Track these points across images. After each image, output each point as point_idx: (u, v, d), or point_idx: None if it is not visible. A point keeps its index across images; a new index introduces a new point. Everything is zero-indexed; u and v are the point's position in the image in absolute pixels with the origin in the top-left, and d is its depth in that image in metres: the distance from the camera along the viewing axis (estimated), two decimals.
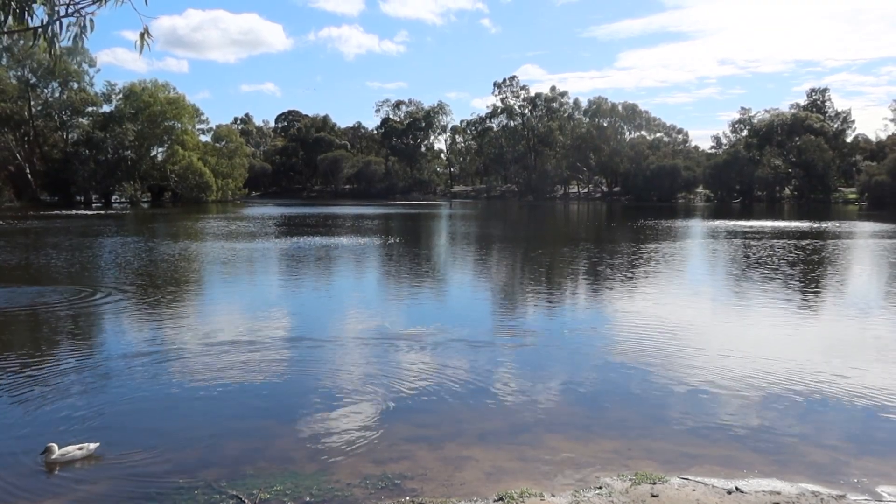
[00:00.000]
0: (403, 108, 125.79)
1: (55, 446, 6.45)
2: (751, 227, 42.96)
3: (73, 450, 6.49)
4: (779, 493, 5.87)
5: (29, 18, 4.70)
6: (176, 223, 45.75)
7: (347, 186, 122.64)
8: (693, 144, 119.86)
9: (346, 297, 16.99)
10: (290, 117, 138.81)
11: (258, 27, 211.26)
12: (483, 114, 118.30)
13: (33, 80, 77.72)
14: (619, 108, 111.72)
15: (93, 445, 6.61)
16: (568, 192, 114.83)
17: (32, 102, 79.02)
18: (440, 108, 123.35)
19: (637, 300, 15.91)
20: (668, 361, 10.29)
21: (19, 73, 76.90)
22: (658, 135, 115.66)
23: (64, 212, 57.72)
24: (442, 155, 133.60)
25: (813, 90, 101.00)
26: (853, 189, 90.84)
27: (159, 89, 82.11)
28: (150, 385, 9.09)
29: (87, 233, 35.82)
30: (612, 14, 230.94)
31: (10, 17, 4.59)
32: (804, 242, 31.15)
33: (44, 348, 11.24)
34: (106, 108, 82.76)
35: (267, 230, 39.25)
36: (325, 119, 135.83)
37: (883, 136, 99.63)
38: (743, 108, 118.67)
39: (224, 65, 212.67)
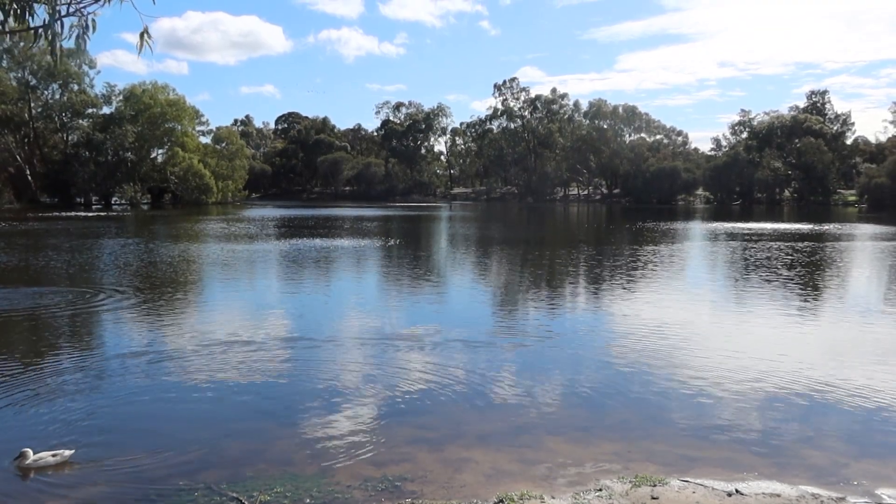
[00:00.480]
0: (403, 109, 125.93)
1: (30, 451, 6.40)
2: (750, 229, 42.96)
3: (47, 455, 6.43)
4: (779, 496, 5.87)
5: (30, 18, 4.70)
6: (176, 225, 45.75)
7: (347, 188, 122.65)
8: (693, 146, 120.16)
9: (346, 298, 16.99)
10: (289, 119, 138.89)
11: (258, 29, 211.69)
12: (483, 116, 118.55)
13: (33, 81, 77.74)
14: (619, 110, 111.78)
15: (68, 452, 6.55)
16: (568, 194, 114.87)
17: (32, 104, 79.03)
18: (440, 110, 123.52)
19: (637, 302, 15.90)
20: (669, 363, 10.29)
21: (19, 75, 76.95)
22: (658, 137, 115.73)
23: (64, 213, 57.69)
24: (442, 157, 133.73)
25: (813, 92, 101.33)
26: (853, 191, 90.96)
27: (159, 91, 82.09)
28: (150, 386, 9.08)
29: (87, 234, 35.80)
30: (612, 16, 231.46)
31: (11, 18, 4.59)
32: (804, 244, 31.16)
33: (42, 350, 11.21)
34: (106, 110, 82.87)
35: (267, 232, 39.25)
36: (325, 121, 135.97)
37: (883, 139, 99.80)
38: (743, 111, 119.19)
39: (224, 67, 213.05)
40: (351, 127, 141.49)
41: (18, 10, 4.60)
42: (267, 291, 18.07)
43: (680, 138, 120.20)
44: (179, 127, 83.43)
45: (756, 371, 9.78)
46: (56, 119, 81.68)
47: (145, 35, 4.95)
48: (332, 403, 8.36)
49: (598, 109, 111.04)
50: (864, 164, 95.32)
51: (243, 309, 15.07)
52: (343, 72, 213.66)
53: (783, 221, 52.32)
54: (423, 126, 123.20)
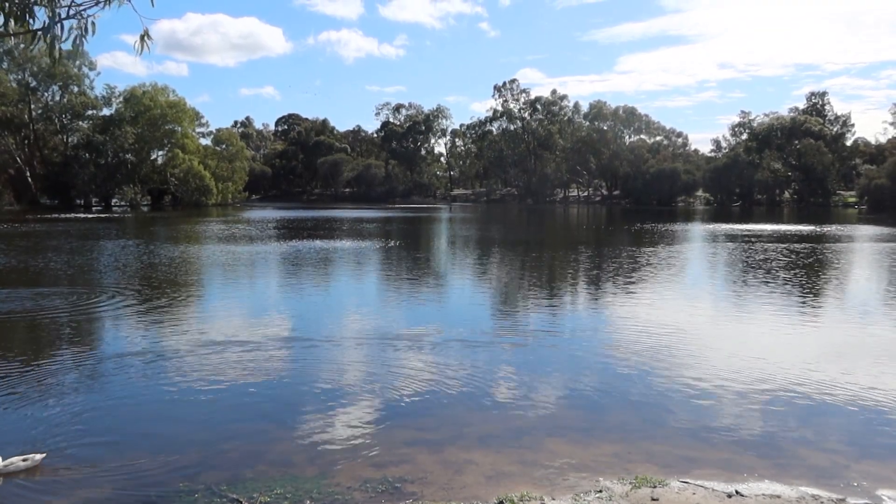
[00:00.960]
0: (403, 111, 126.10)
1: None
2: (750, 230, 42.97)
3: (17, 461, 6.36)
4: (779, 497, 5.86)
5: (30, 20, 4.71)
6: (176, 226, 45.76)
7: (347, 190, 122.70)
8: (693, 148, 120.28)
9: (346, 298, 16.99)
10: (289, 121, 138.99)
11: (258, 31, 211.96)
12: (483, 117, 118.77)
13: (33, 83, 77.86)
14: (619, 111, 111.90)
15: (39, 456, 6.48)
16: (568, 196, 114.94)
17: (33, 106, 79.13)
18: (440, 112, 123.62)
19: (637, 303, 15.89)
20: (669, 364, 10.28)
21: (19, 77, 77.05)
22: (658, 138, 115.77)
23: (64, 215, 57.71)
24: (442, 158, 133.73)
25: (812, 94, 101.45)
26: (853, 192, 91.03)
27: (159, 93, 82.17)
28: (150, 387, 9.08)
29: (87, 236, 35.81)
30: (612, 18, 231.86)
31: (12, 20, 4.59)
32: (804, 246, 31.16)
33: (42, 350, 11.22)
34: (106, 112, 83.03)
35: (267, 233, 39.25)
36: (325, 122, 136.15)
37: (882, 140, 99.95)
38: (743, 112, 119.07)
39: (224, 68, 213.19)
40: (351, 128, 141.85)
41: (18, 12, 4.61)
42: (267, 292, 18.07)
43: (680, 140, 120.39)
44: (179, 128, 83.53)
45: (756, 372, 9.78)
46: (56, 121, 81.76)
47: (145, 37, 4.96)
48: (332, 404, 8.35)
49: (597, 111, 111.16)
50: (863, 165, 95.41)
51: (243, 310, 15.07)
52: (343, 73, 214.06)
53: (783, 223, 52.33)
54: (423, 127, 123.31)
